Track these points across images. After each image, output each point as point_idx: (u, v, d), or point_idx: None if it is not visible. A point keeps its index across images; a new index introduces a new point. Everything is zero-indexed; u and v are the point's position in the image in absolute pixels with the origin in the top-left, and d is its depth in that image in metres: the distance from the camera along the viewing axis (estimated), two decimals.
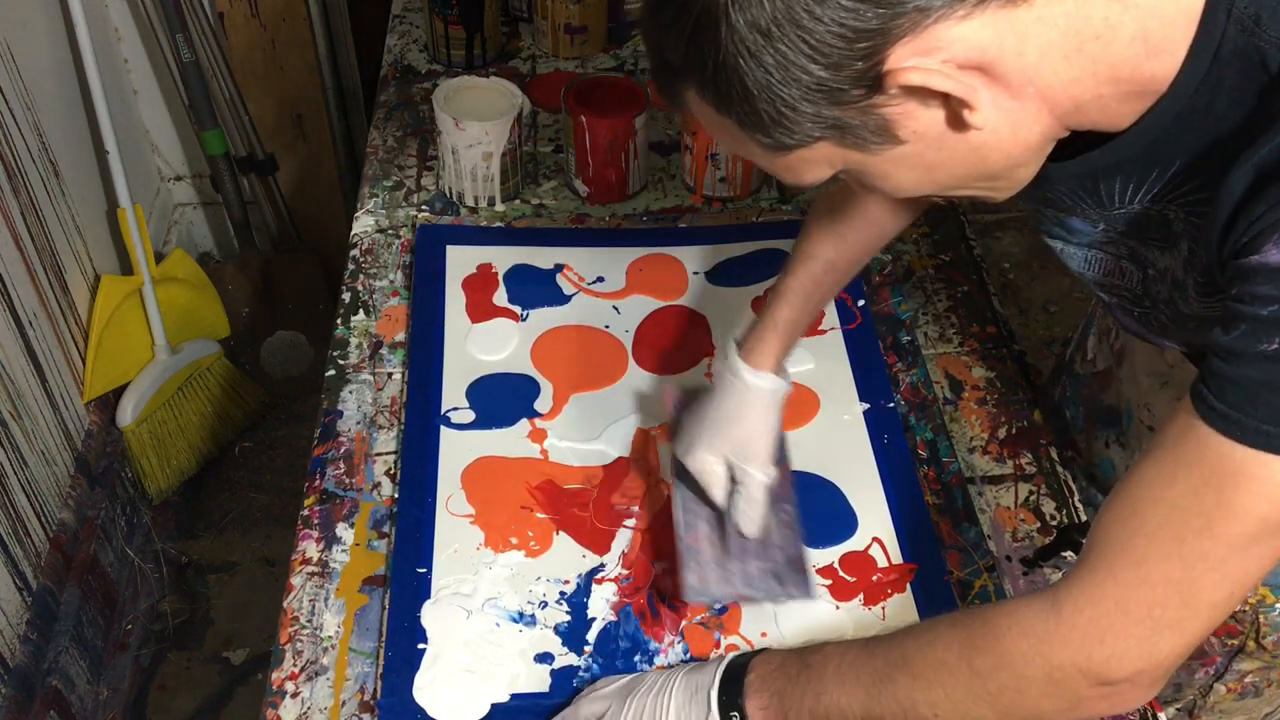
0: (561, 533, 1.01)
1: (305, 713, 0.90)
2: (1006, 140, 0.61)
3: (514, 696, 0.91)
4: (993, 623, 0.69)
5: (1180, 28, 0.57)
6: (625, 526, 1.02)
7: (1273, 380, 0.56)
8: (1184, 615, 0.62)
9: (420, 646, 0.93)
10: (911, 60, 0.56)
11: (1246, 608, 0.94)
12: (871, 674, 0.72)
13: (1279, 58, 0.56)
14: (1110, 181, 0.66)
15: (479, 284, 1.23)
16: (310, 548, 1.00)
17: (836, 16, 0.54)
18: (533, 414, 1.11)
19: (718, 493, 0.94)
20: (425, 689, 0.90)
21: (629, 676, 0.86)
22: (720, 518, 0.95)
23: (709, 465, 0.94)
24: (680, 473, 0.96)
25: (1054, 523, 1.03)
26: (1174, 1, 0.57)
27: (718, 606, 0.95)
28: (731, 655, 0.82)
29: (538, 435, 1.09)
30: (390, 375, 1.15)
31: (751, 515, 0.93)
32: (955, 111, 0.58)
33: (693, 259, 1.27)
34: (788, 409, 1.12)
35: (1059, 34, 0.57)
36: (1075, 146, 0.65)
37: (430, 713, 0.89)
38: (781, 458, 0.99)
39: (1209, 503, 0.59)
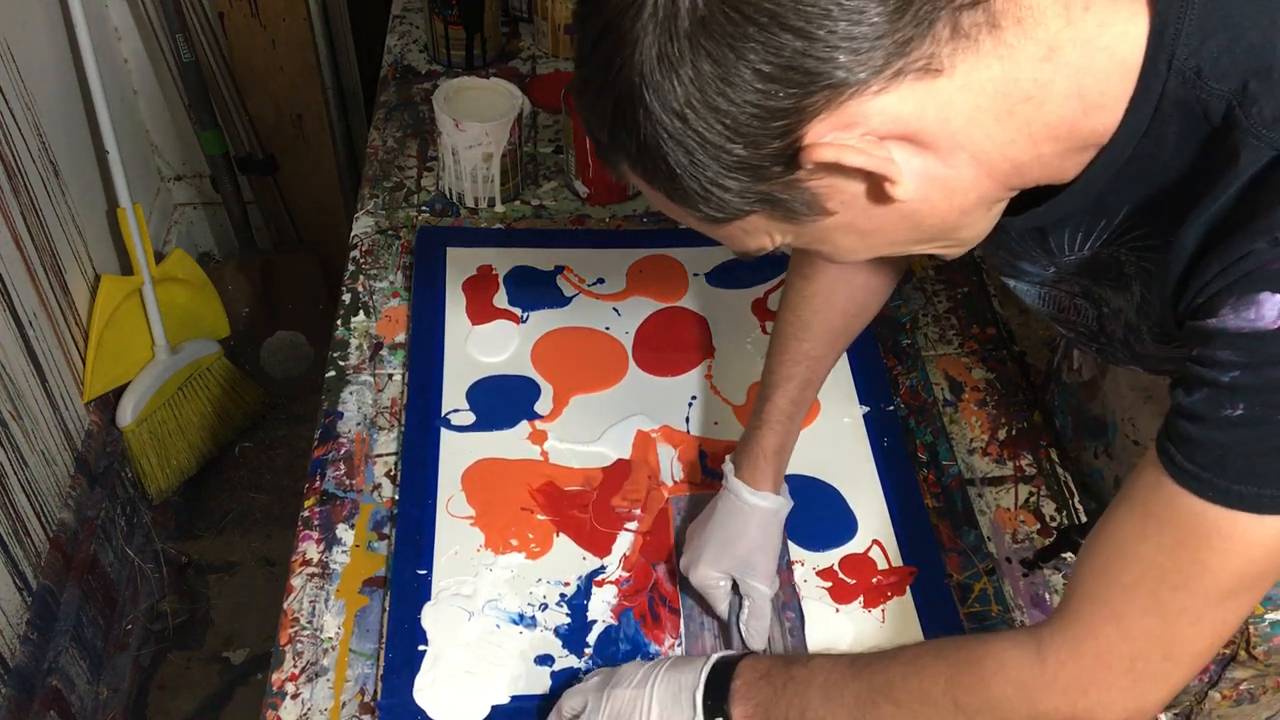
0: (562, 535, 1.01)
1: (305, 713, 0.90)
2: (940, 206, 0.60)
3: (514, 698, 0.91)
4: (979, 664, 0.69)
5: (1116, 82, 0.57)
6: (627, 529, 1.02)
7: (1240, 444, 0.57)
8: (1166, 667, 0.63)
9: (420, 648, 0.93)
10: (830, 135, 0.55)
11: None
12: (856, 697, 0.73)
13: (1221, 109, 0.55)
14: (1059, 234, 0.66)
15: (479, 286, 1.23)
16: (310, 549, 1.00)
17: (749, 98, 0.54)
18: (533, 416, 1.11)
19: (722, 607, 0.95)
20: (425, 690, 0.90)
21: (606, 670, 0.86)
22: (724, 628, 0.96)
23: (713, 581, 0.94)
24: (685, 585, 0.97)
25: (1054, 524, 1.04)
26: (1108, 56, 0.56)
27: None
28: (717, 656, 0.82)
29: (538, 437, 1.09)
30: (390, 376, 1.15)
31: (758, 629, 0.93)
32: (877, 185, 0.58)
33: (693, 260, 1.27)
34: None
35: (987, 99, 0.56)
36: (1023, 200, 0.65)
37: (430, 714, 0.89)
38: (785, 564, 0.99)
39: (1184, 560, 0.60)
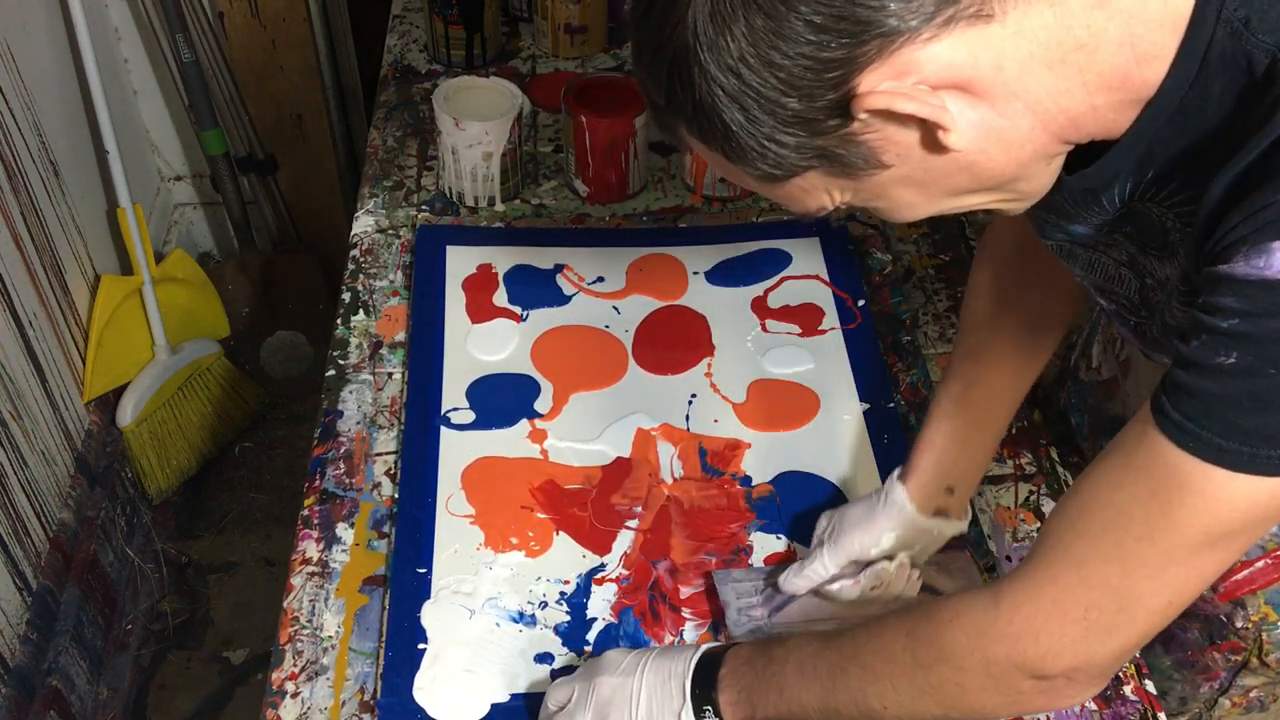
0: (562, 533, 1.01)
1: (305, 713, 0.90)
2: (998, 158, 0.60)
3: (514, 696, 0.91)
4: (936, 616, 0.69)
5: (1168, 31, 0.56)
6: (627, 528, 1.02)
7: (1228, 394, 0.56)
8: (1120, 620, 0.62)
9: (420, 646, 0.93)
10: (884, 85, 0.56)
11: (1249, 625, 0.94)
12: (828, 667, 0.73)
13: (1264, 61, 0.55)
14: (1110, 192, 0.66)
15: (479, 284, 1.23)
16: (310, 548, 1.00)
17: (802, 50, 0.55)
18: (533, 414, 1.11)
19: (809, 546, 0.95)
20: (425, 689, 0.90)
21: (591, 661, 0.86)
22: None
23: (818, 523, 0.96)
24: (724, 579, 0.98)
25: None
26: (1160, 4, 0.56)
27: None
28: (706, 646, 0.82)
29: (538, 435, 1.09)
30: (390, 375, 1.15)
31: (794, 581, 0.93)
32: (930, 134, 0.58)
33: (693, 259, 1.27)
34: (788, 409, 1.12)
35: (1040, 46, 0.56)
36: (1074, 159, 0.64)
37: (430, 713, 0.89)
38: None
39: (1153, 511, 0.59)
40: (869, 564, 0.93)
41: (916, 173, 0.61)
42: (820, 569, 0.93)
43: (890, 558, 0.92)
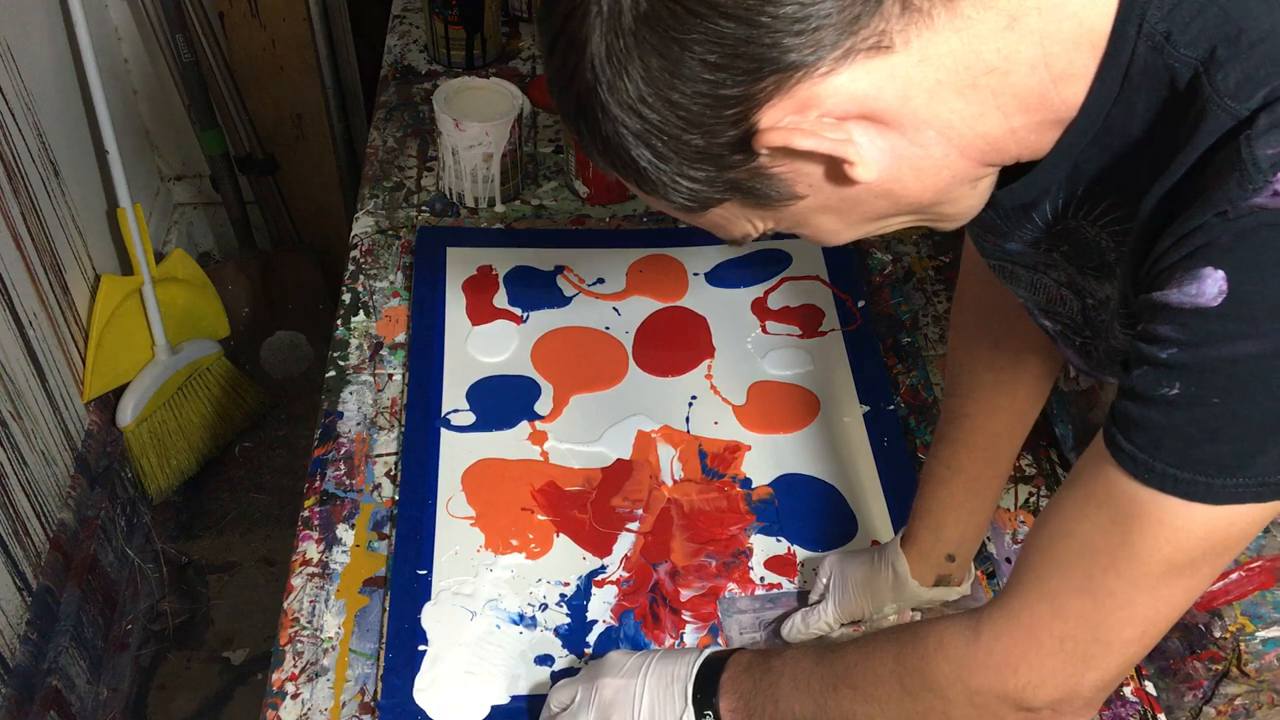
0: (562, 535, 1.01)
1: (305, 713, 0.90)
2: (913, 186, 0.59)
3: (514, 698, 0.91)
4: (922, 642, 0.69)
5: (1085, 50, 0.55)
6: (628, 530, 1.02)
7: (1175, 425, 0.55)
8: (1095, 650, 0.62)
9: (421, 648, 0.93)
10: (787, 120, 0.55)
11: (1227, 635, 0.95)
12: (820, 683, 0.73)
13: (1187, 75, 0.54)
14: (1041, 208, 0.65)
15: (479, 286, 1.23)
16: (310, 548, 1.00)
17: (699, 89, 0.54)
18: (533, 416, 1.11)
19: (811, 595, 0.96)
20: (425, 690, 0.90)
21: (594, 663, 0.86)
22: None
23: (820, 569, 0.96)
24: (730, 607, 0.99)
25: None
26: (1076, 23, 0.55)
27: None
28: (709, 650, 0.82)
29: (538, 437, 1.09)
30: (390, 376, 1.15)
31: (794, 631, 0.95)
32: (835, 167, 0.57)
33: (693, 260, 1.27)
34: (788, 411, 1.12)
35: (947, 73, 0.55)
36: (1005, 178, 0.64)
37: (430, 714, 0.89)
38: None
39: (1115, 541, 0.59)
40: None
41: (832, 201, 0.60)
42: (823, 625, 0.94)
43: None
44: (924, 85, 0.55)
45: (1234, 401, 0.53)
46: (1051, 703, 0.64)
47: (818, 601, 0.95)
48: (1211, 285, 0.52)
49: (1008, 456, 0.90)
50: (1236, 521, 0.57)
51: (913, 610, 0.94)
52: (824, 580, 0.96)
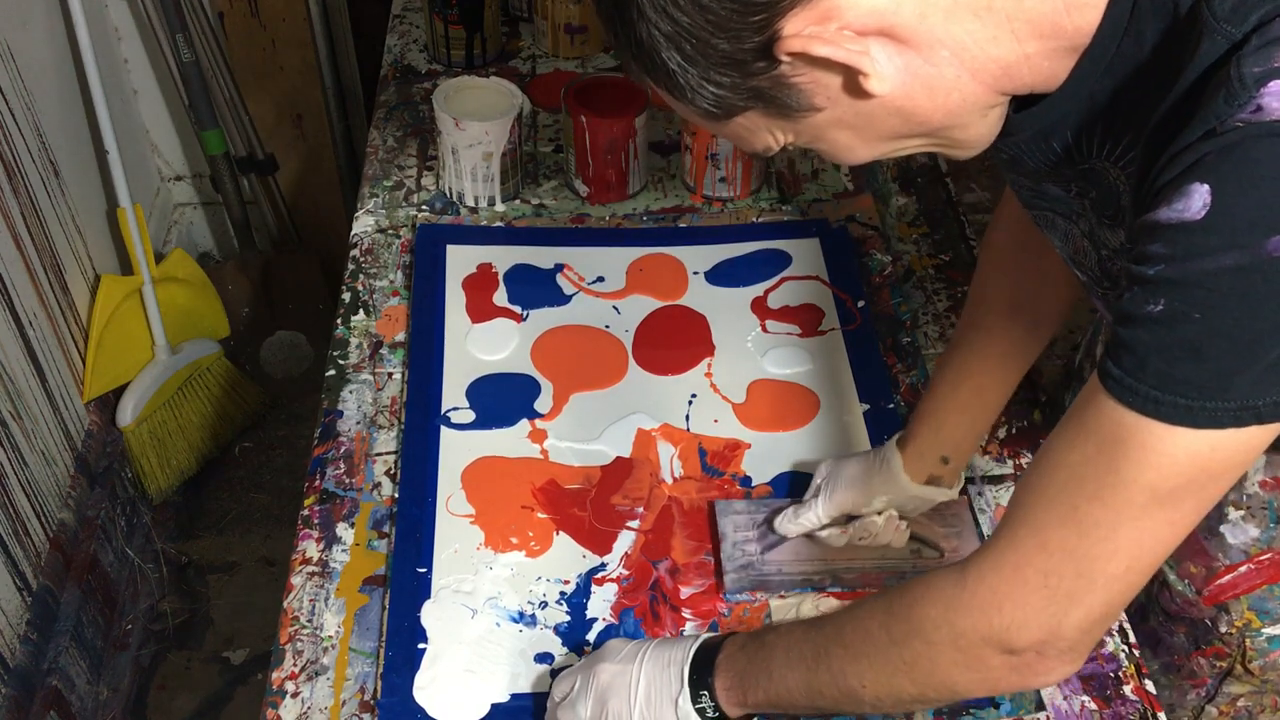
0: (562, 533, 1.01)
1: (305, 713, 0.90)
2: (924, 105, 0.61)
3: (514, 696, 0.91)
4: (911, 591, 0.69)
5: None
6: (629, 528, 1.02)
7: (1159, 344, 0.55)
8: (1079, 585, 0.62)
9: (420, 646, 0.93)
10: (808, 29, 0.57)
11: (1233, 631, 0.94)
12: (812, 649, 0.74)
13: (1188, 1, 0.55)
14: (1061, 135, 0.65)
15: (479, 284, 1.23)
16: (310, 548, 1.00)
17: None
18: (533, 414, 1.11)
19: (807, 493, 0.99)
20: (425, 689, 0.90)
21: (592, 654, 0.86)
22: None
23: (818, 470, 0.99)
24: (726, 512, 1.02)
25: None
26: None
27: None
28: (706, 634, 0.82)
29: (538, 435, 1.09)
30: (390, 375, 1.15)
31: (786, 525, 0.98)
32: (852, 78, 0.59)
33: (693, 259, 1.27)
34: (788, 410, 1.12)
35: None
36: (1026, 106, 0.65)
37: (430, 712, 0.89)
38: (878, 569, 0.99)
39: (1102, 468, 0.59)
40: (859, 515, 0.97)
41: (848, 116, 0.62)
42: (813, 517, 0.97)
43: (880, 511, 0.97)
44: (941, 4, 0.57)
45: (1214, 316, 0.54)
46: (1035, 644, 0.64)
47: (811, 497, 0.98)
48: (1197, 199, 0.53)
49: (1016, 372, 0.93)
50: (1219, 448, 0.57)
51: (899, 519, 0.97)
52: (818, 480, 0.99)
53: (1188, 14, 0.55)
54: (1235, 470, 0.59)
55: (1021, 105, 0.64)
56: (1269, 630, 0.93)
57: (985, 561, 0.65)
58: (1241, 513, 0.90)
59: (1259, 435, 0.57)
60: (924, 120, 0.62)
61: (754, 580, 0.97)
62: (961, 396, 0.94)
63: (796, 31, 0.57)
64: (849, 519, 0.98)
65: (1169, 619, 0.99)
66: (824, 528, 0.98)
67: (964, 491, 1.02)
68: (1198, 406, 0.55)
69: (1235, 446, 0.57)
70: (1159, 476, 0.58)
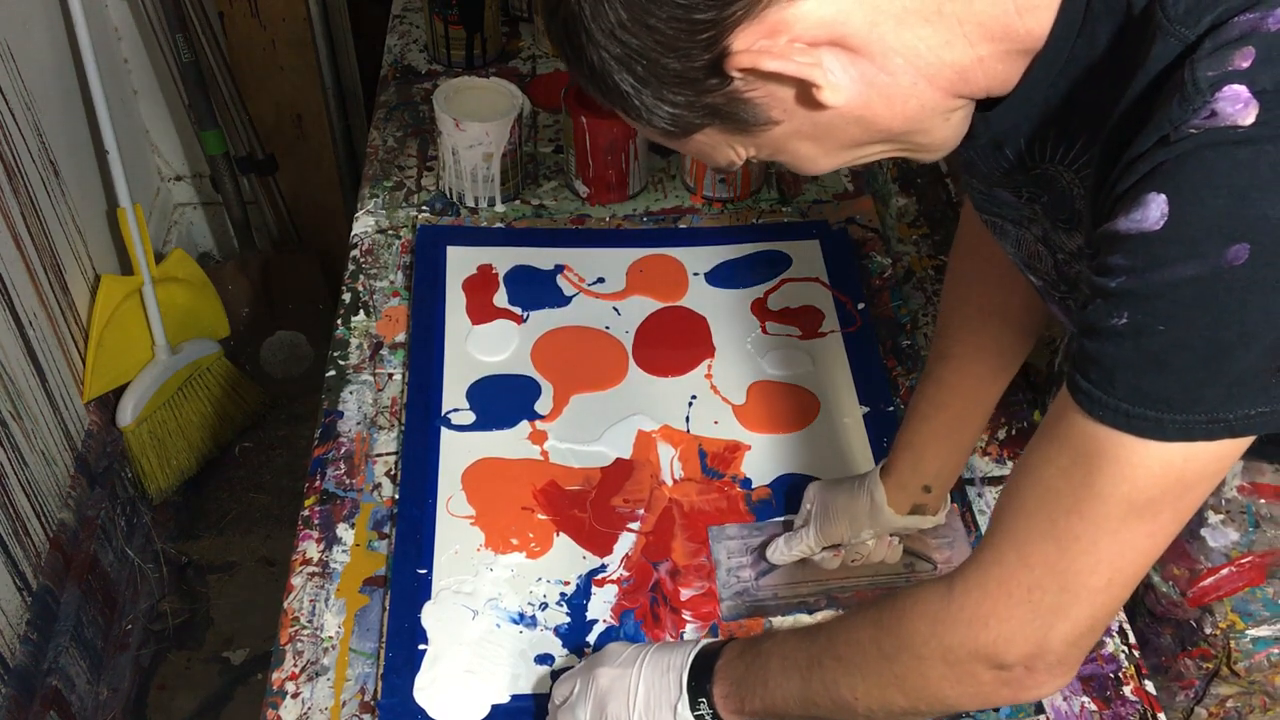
0: (562, 534, 1.01)
1: (305, 713, 0.90)
2: (883, 113, 0.60)
3: (514, 697, 0.91)
4: (899, 604, 0.69)
5: None
6: (629, 530, 1.02)
7: (1125, 357, 0.55)
8: (1063, 599, 0.61)
9: (421, 647, 0.93)
10: (758, 44, 0.57)
11: (1217, 632, 0.95)
12: (806, 659, 0.74)
13: (1142, 2, 0.54)
14: (1014, 142, 0.65)
15: (479, 285, 1.23)
16: (310, 548, 1.00)
17: (674, 13, 0.56)
18: (533, 415, 1.11)
19: (797, 520, 1.00)
20: (426, 690, 0.90)
21: (592, 656, 0.86)
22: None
23: (806, 496, 1.00)
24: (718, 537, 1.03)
25: None
26: None
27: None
28: (705, 640, 0.82)
29: (538, 437, 1.09)
30: (391, 376, 1.15)
31: (778, 553, 0.99)
32: (805, 91, 0.59)
33: (693, 260, 1.27)
34: (788, 412, 1.12)
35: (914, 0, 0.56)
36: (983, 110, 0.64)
37: (431, 713, 0.89)
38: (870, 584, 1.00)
39: (1077, 482, 0.59)
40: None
41: (806, 127, 0.62)
42: (805, 548, 0.98)
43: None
44: (891, 12, 0.57)
45: (1178, 328, 0.53)
46: (1023, 658, 0.64)
47: (802, 526, 0.99)
48: (1155, 209, 0.52)
49: (989, 399, 0.93)
50: (1193, 460, 0.56)
51: (891, 536, 0.98)
52: (808, 506, 0.99)
53: (1141, 14, 0.54)
54: (1211, 480, 0.59)
55: (981, 109, 0.64)
56: (1253, 631, 0.93)
57: (970, 577, 0.65)
58: (1220, 517, 0.91)
59: (1232, 446, 0.56)
60: (884, 128, 0.62)
61: (750, 607, 0.98)
62: (939, 431, 0.93)
63: (746, 47, 0.57)
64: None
65: (1155, 620, 0.99)
66: (816, 554, 0.99)
67: (955, 498, 1.02)
68: (1168, 419, 0.55)
69: (1208, 457, 0.57)
70: (1133, 489, 0.57)
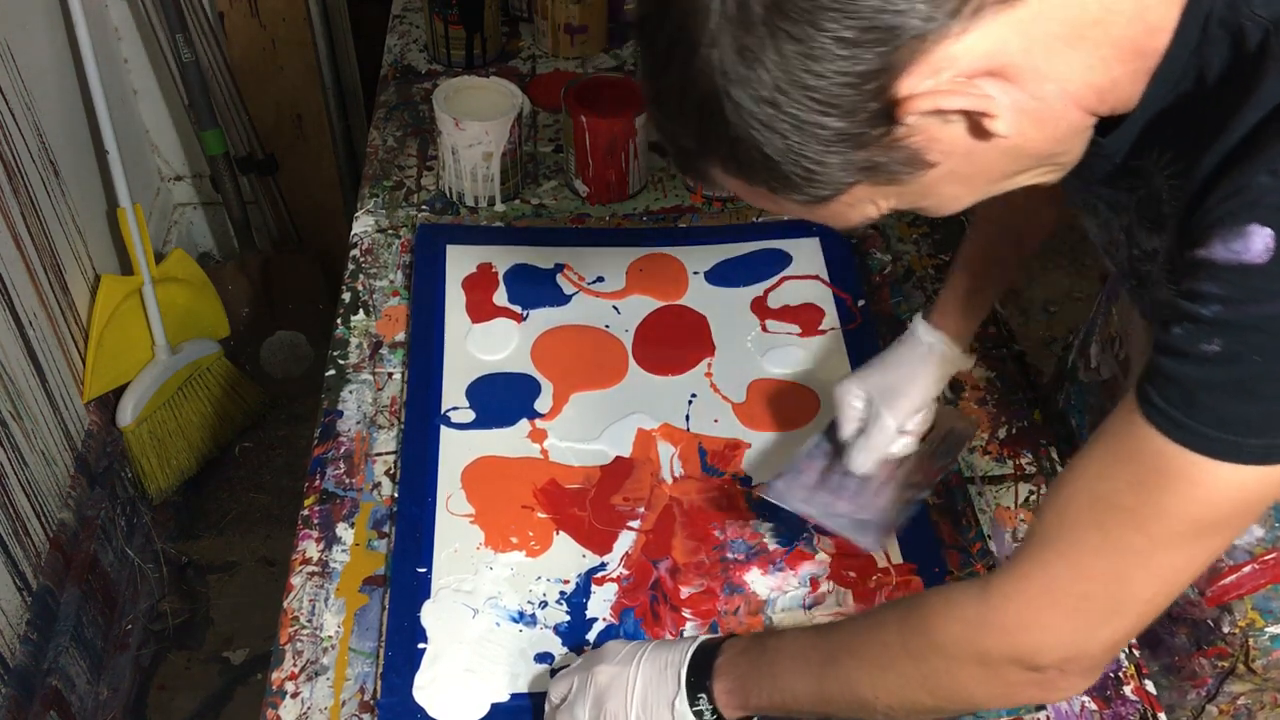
0: (561, 533, 1.01)
1: (305, 713, 0.90)
2: (1035, 138, 0.60)
3: (514, 696, 0.91)
4: (928, 606, 0.69)
5: (1173, 2, 0.57)
6: (629, 528, 1.02)
7: (1212, 382, 0.56)
8: (1111, 609, 0.63)
9: (420, 646, 0.93)
10: (925, 85, 0.56)
11: (1236, 630, 0.94)
12: (821, 657, 0.74)
13: (1258, 35, 0.55)
14: (1122, 151, 0.66)
15: (479, 283, 1.23)
16: (310, 548, 1.00)
17: (837, 68, 0.55)
18: (533, 414, 1.11)
19: (848, 426, 0.99)
20: (425, 689, 0.90)
21: (590, 653, 0.86)
22: (839, 456, 1.00)
23: (849, 398, 0.98)
24: (829, 429, 1.02)
25: None
26: None
27: (786, 511, 0.99)
28: (704, 637, 0.82)
29: (538, 435, 1.09)
30: (390, 375, 1.15)
31: (865, 456, 0.97)
32: (976, 123, 0.58)
33: (693, 259, 1.27)
34: (788, 409, 1.12)
35: (1059, 24, 0.56)
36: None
37: (430, 712, 0.89)
38: (947, 460, 1.01)
39: (1142, 499, 0.60)
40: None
41: (961, 166, 0.61)
42: (885, 438, 0.97)
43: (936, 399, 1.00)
44: (1041, 39, 0.57)
45: (1272, 360, 0.54)
46: (1059, 662, 0.65)
47: (859, 425, 0.98)
48: (1258, 242, 0.53)
49: (1021, 261, 1.00)
50: (1262, 481, 0.58)
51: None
52: (856, 404, 0.98)
53: (1256, 48, 0.55)
54: (1269, 501, 0.60)
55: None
56: (1272, 629, 0.93)
57: (1008, 583, 0.66)
58: None
59: None
60: (1034, 153, 0.62)
61: (801, 498, 0.98)
62: (977, 281, 0.98)
63: (913, 90, 0.56)
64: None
65: (1170, 620, 0.99)
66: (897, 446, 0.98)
67: (956, 497, 1.03)
68: (1248, 444, 0.56)
69: (1274, 480, 0.58)
70: (1204, 510, 0.59)
